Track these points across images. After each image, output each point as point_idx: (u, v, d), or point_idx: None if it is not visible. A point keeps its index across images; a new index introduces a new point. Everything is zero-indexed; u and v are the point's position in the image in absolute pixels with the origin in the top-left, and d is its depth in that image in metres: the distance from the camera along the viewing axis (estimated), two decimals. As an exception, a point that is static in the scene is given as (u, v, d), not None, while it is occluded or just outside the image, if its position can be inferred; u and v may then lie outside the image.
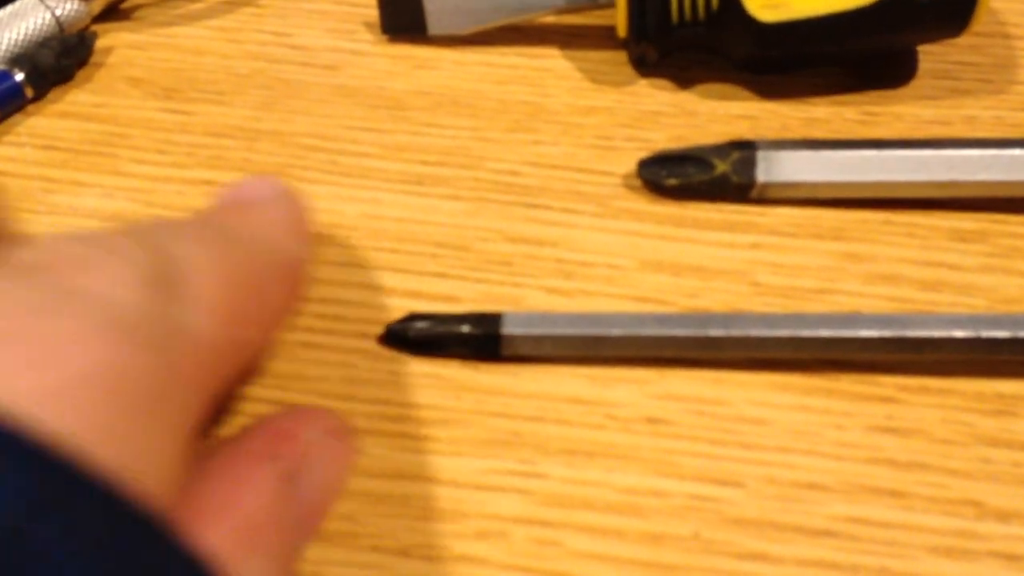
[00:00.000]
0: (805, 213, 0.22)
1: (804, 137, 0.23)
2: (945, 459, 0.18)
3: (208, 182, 0.23)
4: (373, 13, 0.26)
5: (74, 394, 0.11)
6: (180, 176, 0.23)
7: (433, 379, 0.20)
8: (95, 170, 0.23)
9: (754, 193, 0.22)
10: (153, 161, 0.23)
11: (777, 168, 0.22)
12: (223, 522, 0.13)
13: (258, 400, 0.19)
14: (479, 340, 0.19)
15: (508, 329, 0.19)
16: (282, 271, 0.16)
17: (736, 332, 0.19)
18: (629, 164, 0.23)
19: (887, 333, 0.19)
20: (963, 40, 0.26)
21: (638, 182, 0.23)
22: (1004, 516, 0.18)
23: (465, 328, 0.19)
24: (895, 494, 0.18)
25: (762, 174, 0.22)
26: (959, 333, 0.19)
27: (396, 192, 0.23)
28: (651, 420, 0.19)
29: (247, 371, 0.18)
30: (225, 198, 0.17)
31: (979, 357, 0.19)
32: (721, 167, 0.22)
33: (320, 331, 0.20)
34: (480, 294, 0.21)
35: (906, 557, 0.17)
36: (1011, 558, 0.17)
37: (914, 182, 0.21)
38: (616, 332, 0.19)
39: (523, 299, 0.21)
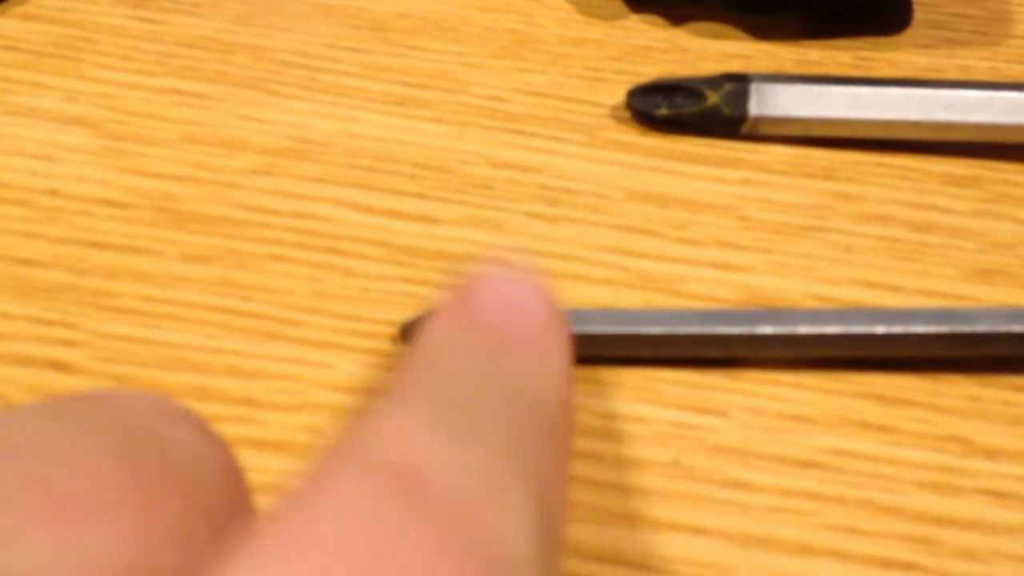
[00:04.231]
0: (796, 151, 0.22)
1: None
2: (933, 396, 0.18)
3: (177, 91, 0.22)
4: (358, -67, 0.25)
5: None
6: (148, 84, 0.22)
7: (406, 297, 0.19)
8: (58, 73, 0.22)
9: (745, 128, 0.21)
10: (119, 67, 0.22)
11: (770, 102, 0.21)
12: None
13: (219, 310, 0.18)
14: None
15: None
16: (568, 454, 0.13)
17: (785, 330, 0.17)
18: (618, 96, 0.22)
19: (944, 329, 0.17)
20: (959, -8, 0.26)
21: (627, 114, 0.22)
22: (992, 454, 0.17)
23: None
24: (883, 428, 0.17)
25: (754, 107, 0.21)
26: (1017, 328, 0.17)
27: (376, 112, 0.22)
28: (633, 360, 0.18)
29: None
30: (492, 316, 0.14)
31: None
32: (713, 98, 0.21)
33: (290, 244, 0.19)
34: (461, 216, 0.20)
35: (892, 491, 0.17)
36: (998, 495, 0.17)
37: (909, 121, 0.21)
38: (655, 330, 0.18)
39: (504, 223, 0.20)
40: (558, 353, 0.14)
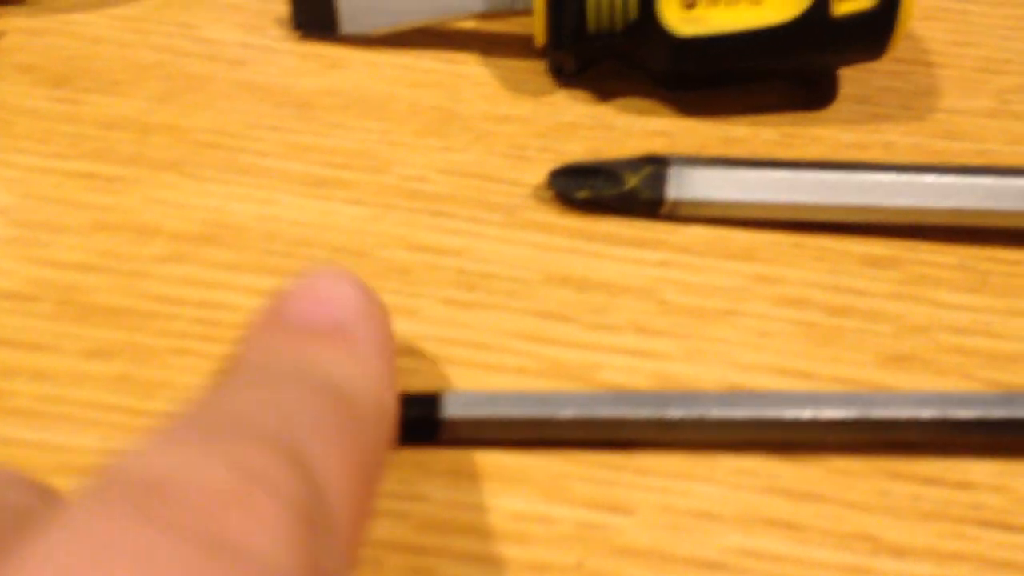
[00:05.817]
0: (716, 232, 0.22)
1: (721, 155, 0.23)
2: (842, 491, 0.18)
3: (91, 175, 0.21)
4: (285, 9, 0.25)
5: None
6: (61, 168, 0.21)
7: (315, 391, 0.18)
8: (-30, 157, 0.21)
9: (664, 210, 0.21)
10: (34, 151, 0.22)
11: (688, 185, 0.21)
12: None
13: (117, 409, 0.18)
14: (415, 424, 0.17)
15: (449, 412, 0.17)
16: (387, 439, 0.14)
17: (696, 413, 0.17)
18: (541, 175, 0.22)
19: (853, 414, 0.17)
20: (884, 66, 0.26)
21: (549, 194, 0.22)
22: (899, 552, 0.17)
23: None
24: (790, 526, 0.17)
25: (673, 191, 0.21)
26: (926, 414, 0.17)
27: (295, 194, 0.22)
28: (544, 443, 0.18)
29: None
30: (299, 310, 0.14)
31: (947, 439, 0.18)
32: (632, 181, 0.21)
33: (194, 336, 0.19)
34: (374, 303, 0.20)
35: (798, 592, 0.17)
36: (905, 595, 0.17)
37: (826, 205, 0.21)
38: (565, 414, 0.17)
39: (419, 310, 0.20)
40: (369, 338, 0.14)
